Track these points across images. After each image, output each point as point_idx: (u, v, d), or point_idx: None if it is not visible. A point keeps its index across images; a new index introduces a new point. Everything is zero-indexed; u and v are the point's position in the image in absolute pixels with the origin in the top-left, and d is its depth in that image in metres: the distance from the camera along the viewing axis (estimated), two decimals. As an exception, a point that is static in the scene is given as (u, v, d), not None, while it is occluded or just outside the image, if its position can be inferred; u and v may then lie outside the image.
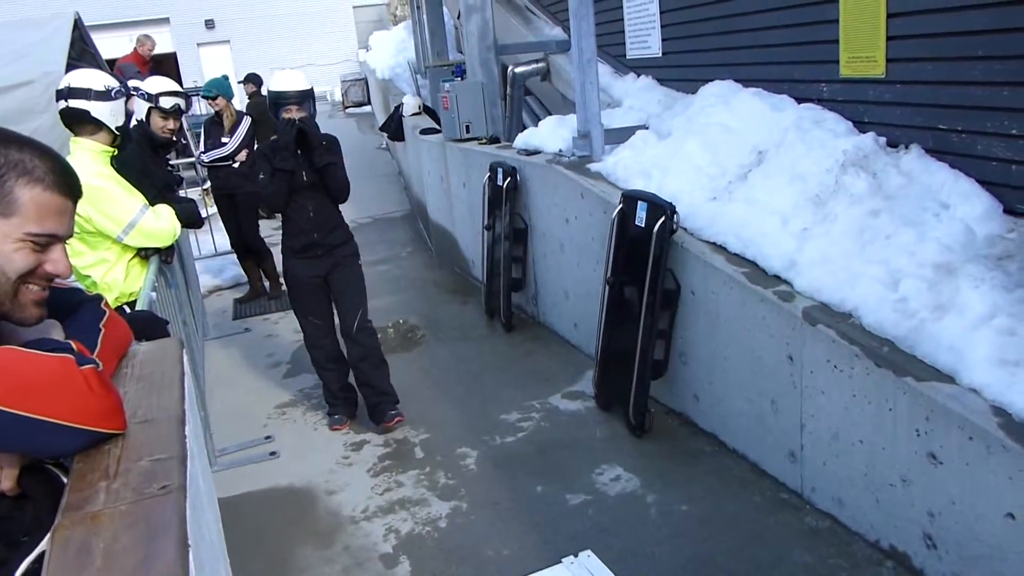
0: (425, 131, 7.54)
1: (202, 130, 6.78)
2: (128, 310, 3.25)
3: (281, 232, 4.16)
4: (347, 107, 18.65)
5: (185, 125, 10.29)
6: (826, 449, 3.04)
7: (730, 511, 3.24)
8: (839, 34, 3.84)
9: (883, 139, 3.62)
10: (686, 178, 3.95)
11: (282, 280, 6.99)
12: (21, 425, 1.00)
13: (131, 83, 4.52)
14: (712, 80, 4.78)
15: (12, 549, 1.05)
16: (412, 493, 3.63)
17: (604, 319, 4.15)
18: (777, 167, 3.71)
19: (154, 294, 3.33)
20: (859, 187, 3.34)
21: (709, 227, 3.67)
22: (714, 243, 3.63)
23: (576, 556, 2.99)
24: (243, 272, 7.03)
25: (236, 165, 6.50)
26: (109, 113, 3.34)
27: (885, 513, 2.80)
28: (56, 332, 1.23)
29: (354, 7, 25.17)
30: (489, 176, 5.58)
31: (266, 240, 6.86)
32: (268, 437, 4.30)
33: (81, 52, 7.52)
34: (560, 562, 2.96)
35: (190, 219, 3.93)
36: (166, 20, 24.16)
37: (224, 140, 6.50)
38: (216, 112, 6.63)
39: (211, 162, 6.50)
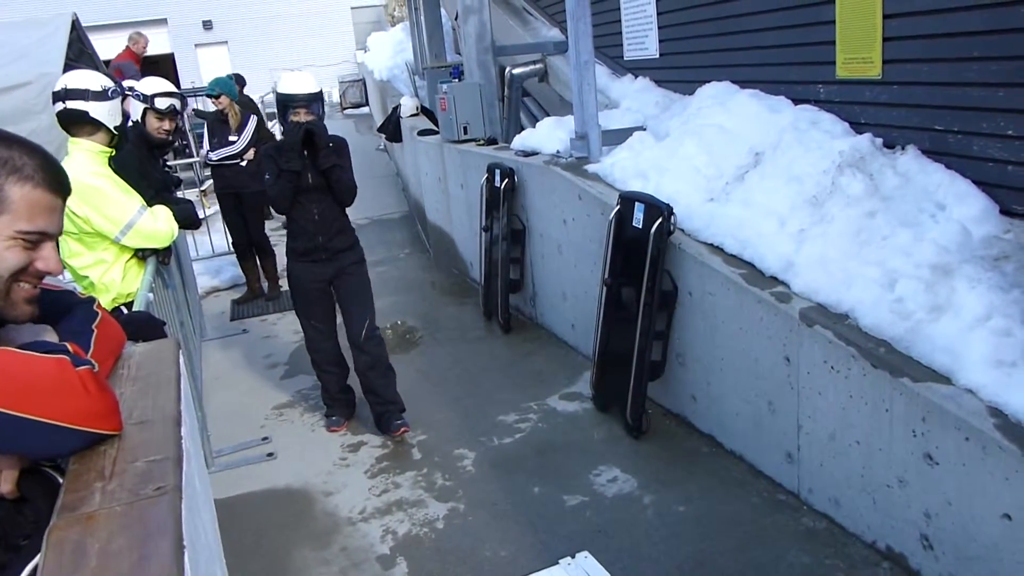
0: (423, 132, 7.55)
1: (205, 129, 6.78)
2: (125, 311, 3.25)
3: (286, 234, 4.14)
4: (345, 108, 18.66)
5: (186, 126, 10.32)
6: (823, 450, 3.04)
7: (727, 512, 3.24)
8: (835, 35, 3.84)
9: (879, 140, 3.62)
10: (683, 179, 3.96)
11: (284, 282, 7.04)
12: (17, 426, 1.00)
13: (126, 84, 4.52)
14: (709, 81, 4.79)
15: (12, 552, 1.05)
16: (409, 494, 3.63)
17: (602, 320, 4.15)
18: (774, 168, 3.71)
19: (151, 295, 3.33)
20: (856, 188, 3.34)
21: (706, 228, 3.68)
22: (711, 244, 3.63)
23: (573, 557, 3.00)
24: (241, 273, 7.03)
25: (244, 163, 6.53)
26: (107, 113, 3.34)
27: (882, 514, 2.81)
28: (49, 335, 1.23)
29: (352, 8, 25.17)
30: (487, 177, 5.58)
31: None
32: (265, 438, 4.30)
33: (79, 53, 7.51)
34: (557, 563, 2.97)
35: (188, 220, 3.92)
36: (164, 21, 24.14)
37: (232, 139, 6.52)
38: (220, 111, 6.63)
39: (219, 160, 6.51)
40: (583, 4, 4.60)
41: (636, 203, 3.87)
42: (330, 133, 3.95)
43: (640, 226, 3.80)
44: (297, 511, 3.61)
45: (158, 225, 3.51)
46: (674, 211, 3.69)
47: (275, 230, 7.96)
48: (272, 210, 8.64)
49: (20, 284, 1.17)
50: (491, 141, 6.36)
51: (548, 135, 5.38)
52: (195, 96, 11.67)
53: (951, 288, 2.73)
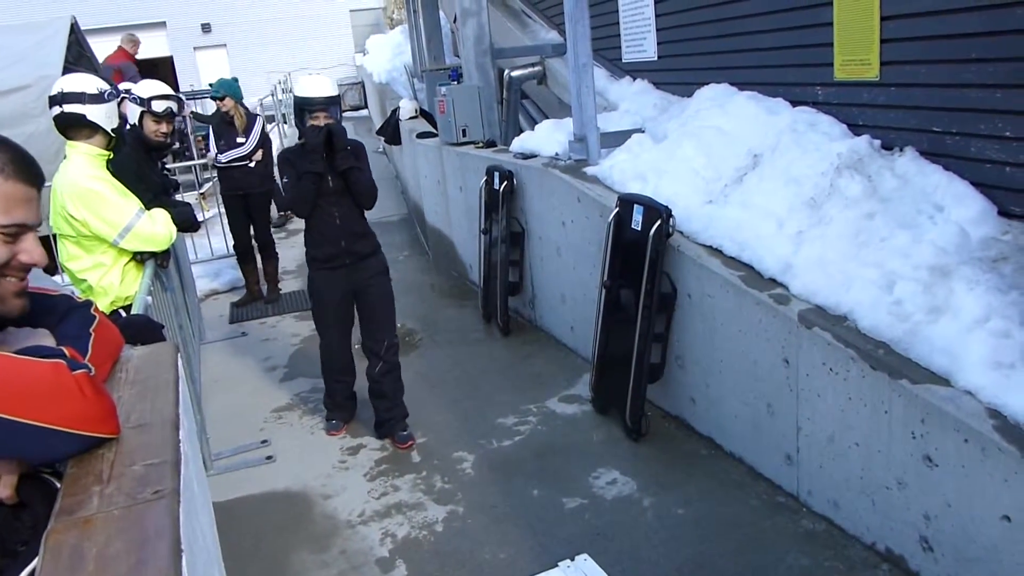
0: (422, 135, 7.55)
1: (211, 132, 6.79)
2: (124, 314, 3.25)
3: (305, 244, 4.04)
4: (344, 111, 18.64)
5: (188, 128, 10.32)
6: (822, 452, 3.04)
7: (727, 514, 3.24)
8: (833, 37, 3.85)
9: (877, 142, 3.62)
10: (682, 181, 3.96)
11: (283, 285, 7.04)
12: (14, 431, 1.00)
13: (123, 86, 4.52)
14: (707, 83, 4.80)
15: (9, 558, 1.05)
16: (408, 497, 3.63)
17: (601, 322, 4.15)
18: (772, 170, 3.72)
19: (150, 298, 3.32)
20: (854, 190, 3.34)
21: (705, 230, 3.68)
22: (710, 246, 3.63)
23: (572, 560, 2.98)
24: (240, 276, 7.02)
25: (252, 165, 6.55)
26: (104, 115, 3.33)
27: (881, 516, 2.81)
28: (47, 339, 1.23)
29: (351, 11, 25.20)
30: (486, 180, 5.58)
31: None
32: (264, 441, 4.29)
33: (78, 56, 7.52)
34: (556, 566, 2.96)
35: (186, 223, 3.92)
36: (162, 24, 24.17)
37: (240, 140, 6.54)
38: (224, 113, 6.64)
39: (228, 162, 6.52)
40: (581, 6, 4.60)
41: (635, 205, 3.87)
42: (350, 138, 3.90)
43: (639, 228, 3.80)
44: (296, 514, 3.60)
45: (156, 228, 3.50)
46: (673, 213, 3.69)
47: (274, 230, 7.95)
48: (275, 213, 8.65)
49: (6, 278, 1.18)
50: (490, 143, 6.36)
51: (547, 137, 5.38)
52: (194, 99, 11.67)
53: (949, 290, 2.73)
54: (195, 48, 24.74)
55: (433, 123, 7.77)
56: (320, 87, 3.83)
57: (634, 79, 6.00)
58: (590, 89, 4.71)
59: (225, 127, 6.61)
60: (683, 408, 3.95)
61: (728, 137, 4.11)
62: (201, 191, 9.29)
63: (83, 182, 3.27)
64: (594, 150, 4.81)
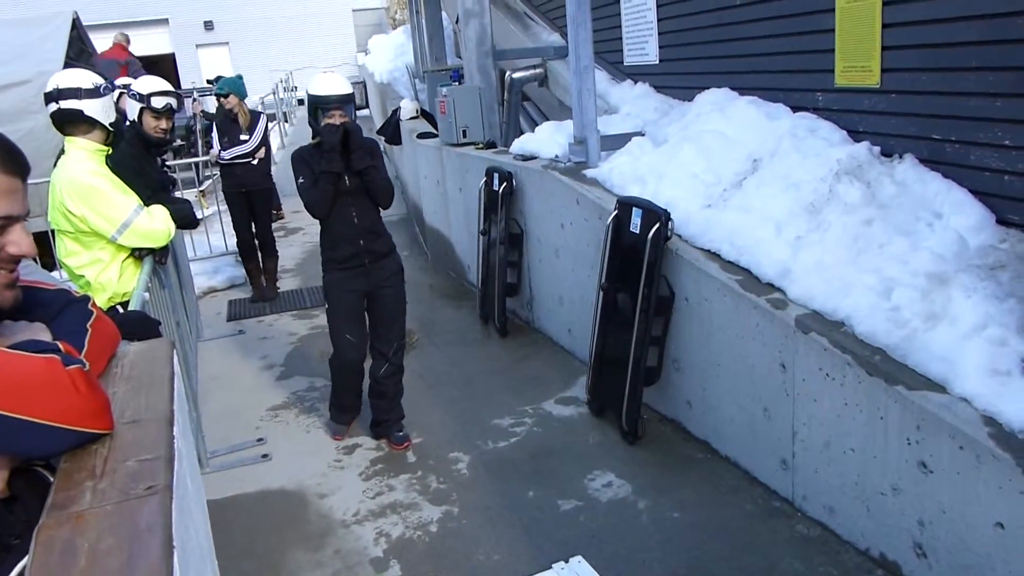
0: (422, 135, 7.55)
1: (215, 129, 6.80)
2: (121, 310, 3.25)
3: (321, 245, 3.97)
4: (345, 110, 18.62)
5: (197, 126, 10.34)
6: (818, 457, 3.04)
7: (721, 518, 3.24)
8: (835, 44, 3.85)
9: (877, 148, 3.63)
10: (681, 185, 3.96)
11: (281, 284, 7.04)
12: (7, 425, 1.00)
13: (120, 82, 4.52)
14: (708, 88, 4.80)
15: (4, 551, 1.05)
16: (404, 497, 3.63)
17: (598, 325, 4.15)
18: (772, 175, 3.72)
19: (147, 295, 3.32)
20: (853, 196, 3.35)
21: (703, 234, 3.68)
22: (708, 250, 3.63)
23: (567, 562, 2.98)
24: (241, 273, 7.03)
25: (255, 162, 6.58)
26: (101, 110, 3.33)
27: (876, 521, 2.81)
28: (43, 334, 1.23)
29: (353, 10, 25.22)
30: (485, 181, 5.58)
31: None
32: (260, 439, 4.29)
33: (79, 52, 7.53)
34: (551, 568, 2.95)
35: (185, 220, 3.92)
36: (165, 21, 24.18)
37: (244, 137, 6.58)
38: (228, 111, 6.66)
39: (231, 159, 6.53)
40: (584, 9, 4.61)
41: (634, 208, 3.87)
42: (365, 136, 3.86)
43: (637, 231, 3.81)
44: (291, 513, 3.60)
45: (155, 225, 3.50)
46: (671, 217, 3.70)
47: (275, 230, 7.95)
48: (278, 212, 8.63)
49: None
50: (490, 145, 6.37)
51: (547, 139, 5.38)
52: (201, 95, 11.66)
53: (947, 297, 2.73)
54: (197, 45, 24.75)
55: (434, 123, 7.78)
56: (336, 85, 3.78)
57: (635, 82, 6.00)
58: (591, 92, 4.71)
59: (229, 125, 6.63)
60: (679, 411, 3.95)
61: (728, 142, 4.12)
62: (201, 188, 9.29)
63: (82, 178, 3.27)
64: (594, 153, 4.81)
